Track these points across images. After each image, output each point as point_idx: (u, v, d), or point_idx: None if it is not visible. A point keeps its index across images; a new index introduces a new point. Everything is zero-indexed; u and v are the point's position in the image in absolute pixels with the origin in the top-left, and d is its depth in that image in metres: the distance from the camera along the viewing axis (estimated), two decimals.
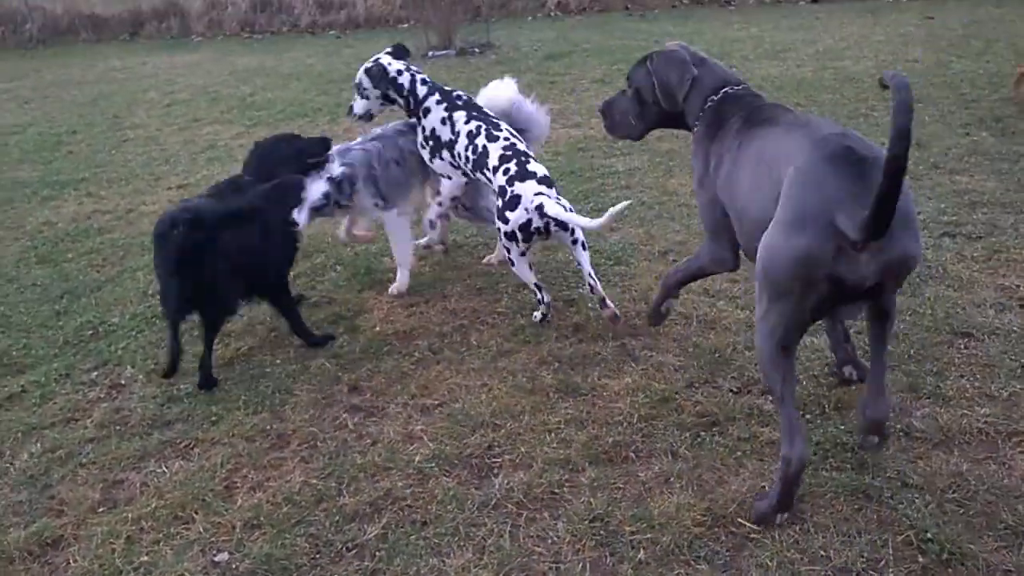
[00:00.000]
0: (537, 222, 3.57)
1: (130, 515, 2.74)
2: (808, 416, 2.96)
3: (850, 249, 2.19)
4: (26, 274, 4.72)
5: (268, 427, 3.15)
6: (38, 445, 3.16)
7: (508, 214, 3.61)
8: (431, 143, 4.00)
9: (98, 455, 3.07)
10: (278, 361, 3.62)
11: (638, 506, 2.62)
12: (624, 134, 3.34)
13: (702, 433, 2.93)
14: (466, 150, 3.87)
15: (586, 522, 2.56)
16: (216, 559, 2.55)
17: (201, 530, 2.66)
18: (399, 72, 4.05)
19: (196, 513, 2.73)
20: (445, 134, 3.94)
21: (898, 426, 2.88)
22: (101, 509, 2.79)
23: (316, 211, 3.81)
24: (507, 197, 3.63)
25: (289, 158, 3.84)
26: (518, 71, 9.08)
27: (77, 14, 14.49)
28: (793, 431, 2.45)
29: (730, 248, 2.95)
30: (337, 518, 2.66)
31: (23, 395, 3.52)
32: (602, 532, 2.53)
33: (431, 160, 4.05)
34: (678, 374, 3.29)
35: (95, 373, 3.65)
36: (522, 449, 2.91)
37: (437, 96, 3.99)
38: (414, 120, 4.07)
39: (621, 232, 4.59)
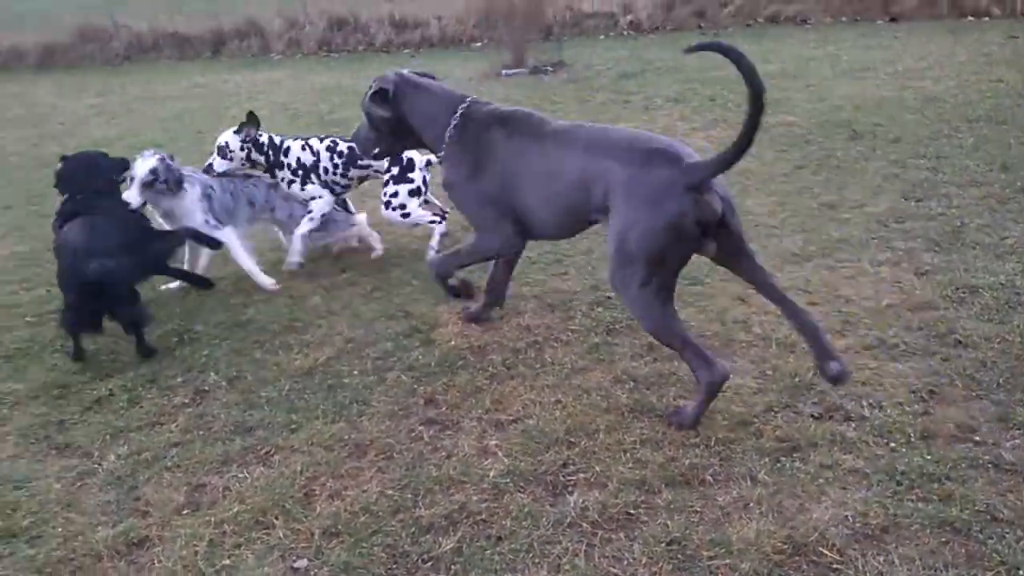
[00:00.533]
0: None
1: (213, 518, 2.81)
2: (892, 445, 2.90)
3: (699, 195, 2.88)
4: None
5: (346, 437, 3.20)
6: (125, 447, 3.26)
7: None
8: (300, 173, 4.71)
9: (182, 459, 3.16)
10: (355, 372, 3.68)
11: (716, 531, 2.59)
12: (369, 153, 3.91)
13: (782, 458, 2.89)
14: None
15: (663, 544, 2.54)
16: (295, 565, 2.59)
17: (281, 536, 2.71)
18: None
19: (276, 519, 2.79)
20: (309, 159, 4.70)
21: (987, 458, 2.79)
22: (185, 511, 2.87)
23: (147, 186, 4.28)
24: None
25: (93, 175, 4.19)
26: (591, 89, 9.12)
27: (162, 32, 14.99)
28: (708, 359, 3.02)
29: (513, 234, 3.48)
30: (413, 529, 2.69)
31: (111, 398, 3.64)
32: (679, 556, 2.50)
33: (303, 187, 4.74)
34: (756, 397, 3.24)
35: (180, 379, 3.75)
36: (597, 468, 2.90)
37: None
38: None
39: None
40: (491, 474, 2.93)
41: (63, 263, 3.89)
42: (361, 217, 5.07)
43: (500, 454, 3.04)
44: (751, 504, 2.69)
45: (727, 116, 7.44)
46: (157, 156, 4.38)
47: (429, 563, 2.56)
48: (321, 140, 4.78)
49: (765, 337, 3.66)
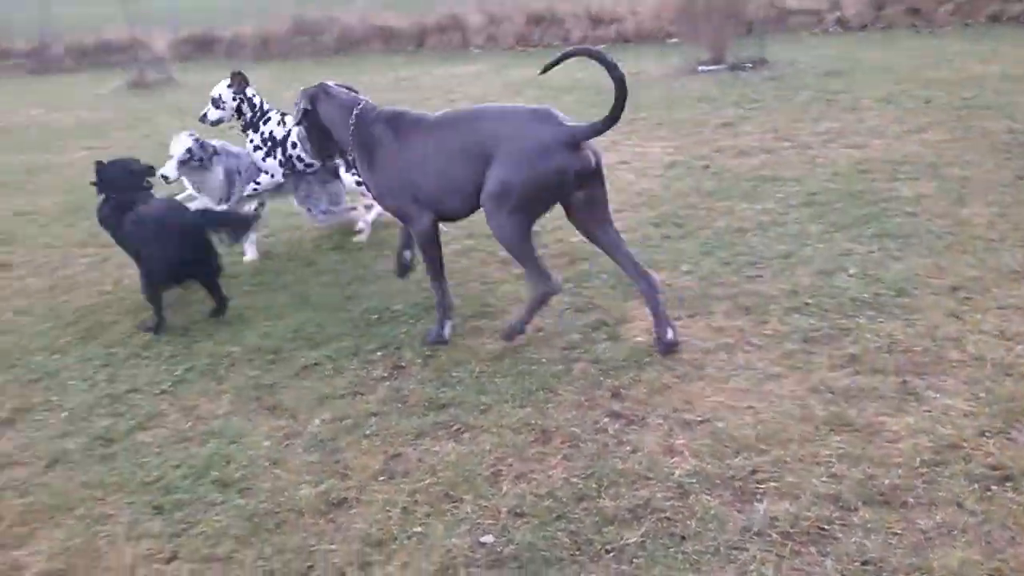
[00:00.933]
0: None
1: (406, 487, 2.95)
2: None
3: (577, 150, 3.54)
4: (323, 259, 5.19)
5: (533, 422, 3.27)
6: (328, 413, 3.47)
7: None
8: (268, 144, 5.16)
9: (380, 428, 3.32)
10: (543, 360, 3.73)
11: (916, 555, 2.45)
12: (314, 156, 4.35)
13: (993, 487, 2.69)
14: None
15: (857, 563, 2.43)
16: (482, 540, 2.68)
17: (469, 511, 2.81)
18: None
19: (466, 494, 2.88)
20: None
21: None
22: (381, 478, 3.02)
23: (183, 163, 4.96)
24: None
25: (130, 177, 4.60)
26: (793, 88, 8.80)
27: (370, 26, 15.73)
28: (543, 273, 3.73)
29: (426, 214, 3.89)
30: (597, 519, 2.71)
31: (317, 367, 3.88)
32: None
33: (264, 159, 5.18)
34: (967, 420, 3.03)
35: (379, 353, 3.95)
36: (789, 479, 2.81)
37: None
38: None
39: (905, 262, 4.32)
40: (676, 473, 2.90)
41: (160, 227, 4.31)
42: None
43: (686, 454, 3.00)
44: (956, 531, 2.52)
45: (943, 119, 6.97)
46: (191, 136, 4.98)
47: (612, 553, 2.57)
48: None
49: (979, 357, 3.42)
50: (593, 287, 4.44)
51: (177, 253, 4.26)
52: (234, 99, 5.14)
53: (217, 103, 5.15)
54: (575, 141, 3.54)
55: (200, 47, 15.97)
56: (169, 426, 3.49)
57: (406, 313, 4.32)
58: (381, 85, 11.63)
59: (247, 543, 2.76)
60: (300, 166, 5.21)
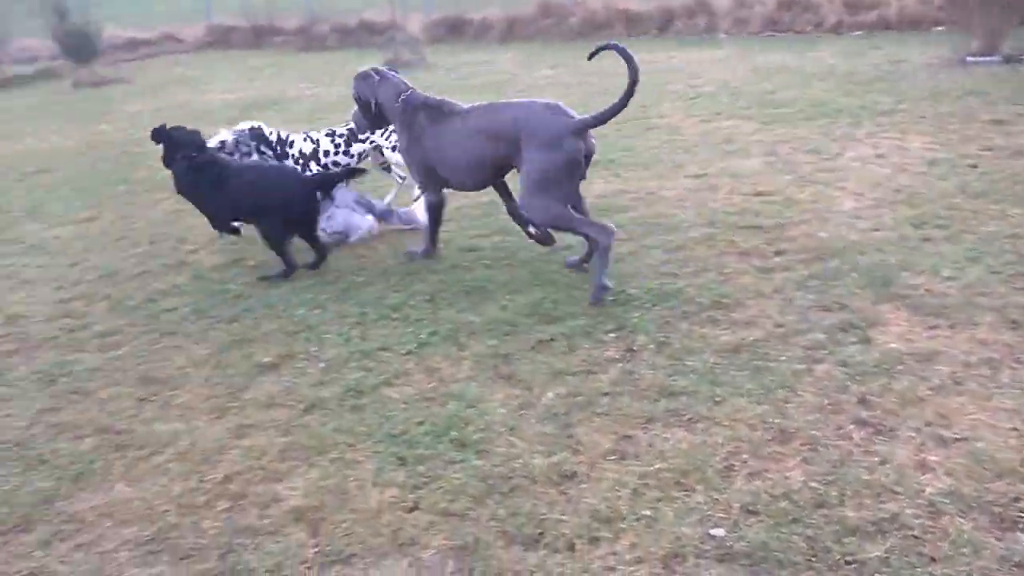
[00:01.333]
0: None
1: (636, 469, 2.95)
2: None
3: (582, 140, 4.24)
4: (561, 239, 5.27)
5: (770, 420, 3.16)
6: (562, 388, 3.54)
7: None
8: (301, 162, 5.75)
9: (611, 408, 3.35)
10: (783, 358, 3.60)
11: None
12: (364, 130, 5.24)
13: None
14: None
15: None
16: (713, 532, 2.63)
17: (700, 501, 2.77)
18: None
19: (697, 484, 2.85)
20: None
21: None
22: (612, 457, 3.04)
23: (217, 151, 5.41)
24: None
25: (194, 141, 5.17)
26: None
27: (614, 10, 15.72)
28: (598, 226, 4.32)
29: (439, 192, 4.90)
30: (837, 527, 2.59)
31: (552, 343, 3.96)
32: None
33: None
34: None
35: (612, 335, 3.96)
36: None
37: None
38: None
39: None
40: (928, 491, 2.71)
41: (275, 178, 5.05)
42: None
43: (940, 472, 2.80)
44: None
45: None
46: (232, 131, 5.58)
47: (852, 565, 2.45)
48: (320, 131, 5.80)
49: None
50: (842, 285, 4.22)
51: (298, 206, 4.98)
52: (245, 149, 5.60)
53: (239, 149, 5.61)
54: (581, 129, 4.29)
55: (451, 30, 16.63)
56: (413, 385, 3.70)
57: (640, 297, 4.30)
58: (621, 70, 11.62)
59: (482, 502, 2.88)
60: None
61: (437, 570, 2.62)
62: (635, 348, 3.82)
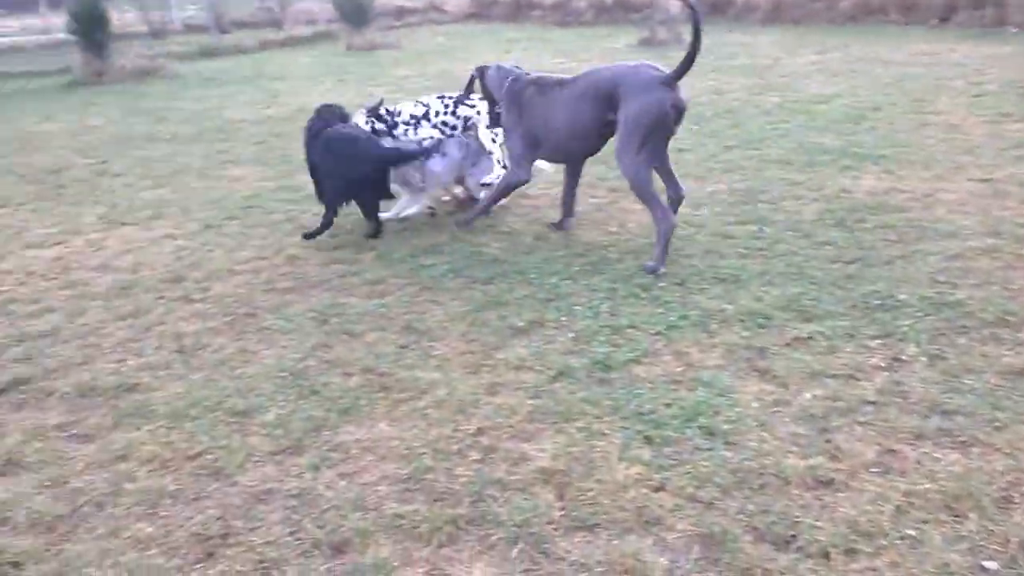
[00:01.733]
0: None
1: (901, 486, 2.77)
2: None
3: (673, 92, 4.58)
4: (822, 233, 5.03)
5: None
6: (820, 390, 3.38)
7: None
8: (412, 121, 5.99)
9: (876, 418, 3.16)
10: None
11: None
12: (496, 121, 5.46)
13: None
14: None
15: None
16: (986, 564, 2.43)
17: (972, 529, 2.56)
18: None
19: (970, 512, 2.63)
20: None
21: None
22: (874, 469, 2.87)
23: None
24: None
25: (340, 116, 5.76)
26: None
27: None
28: (664, 209, 4.70)
29: (529, 168, 5.26)
30: None
31: (809, 341, 3.79)
32: None
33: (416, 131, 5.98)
34: None
35: (877, 341, 3.74)
36: None
37: None
38: None
39: None
40: None
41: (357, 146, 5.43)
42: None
43: None
44: None
45: None
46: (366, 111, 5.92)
47: None
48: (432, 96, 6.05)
49: None
50: None
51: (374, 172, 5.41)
52: (367, 122, 5.89)
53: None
54: (669, 82, 4.58)
55: (713, 8, 16.27)
56: (661, 366, 3.67)
57: (911, 305, 4.02)
58: (898, 59, 10.88)
59: (729, 494, 2.82)
60: (447, 131, 5.89)
61: (682, 554, 2.60)
62: (903, 358, 3.58)
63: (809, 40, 13.02)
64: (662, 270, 4.62)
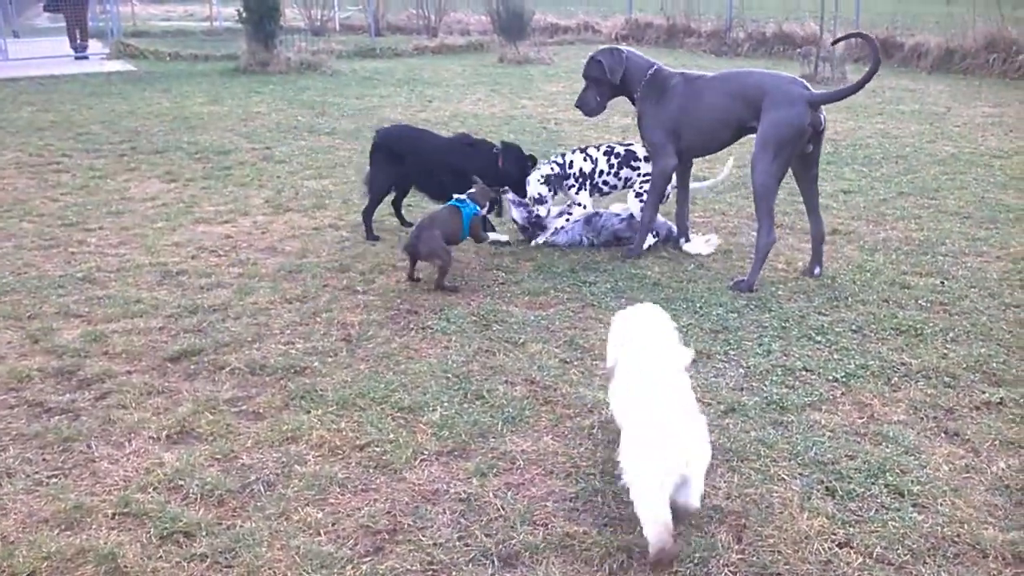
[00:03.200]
0: None
1: None
2: None
3: (813, 111, 4.67)
4: (1009, 294, 4.72)
5: None
6: (1015, 460, 3.15)
7: None
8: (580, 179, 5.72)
9: None
10: None
11: None
12: (594, 112, 5.47)
13: None
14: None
15: None
16: None
17: None
18: None
19: None
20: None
21: None
22: None
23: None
24: None
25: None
26: None
27: None
28: (771, 227, 4.83)
29: (676, 156, 5.22)
30: None
31: (1000, 407, 3.55)
32: None
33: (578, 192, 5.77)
34: None
35: None
36: None
37: None
38: None
39: None
40: None
41: None
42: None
43: None
44: None
45: None
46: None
47: None
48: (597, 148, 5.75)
49: None
50: None
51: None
52: (542, 184, 5.60)
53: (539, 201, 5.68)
54: (814, 101, 4.68)
55: (882, 50, 15.72)
56: (841, 415, 3.49)
57: None
58: None
59: (921, 560, 2.64)
60: (606, 190, 5.75)
61: None
62: None
63: (983, 91, 12.39)
64: (756, 287, 4.77)
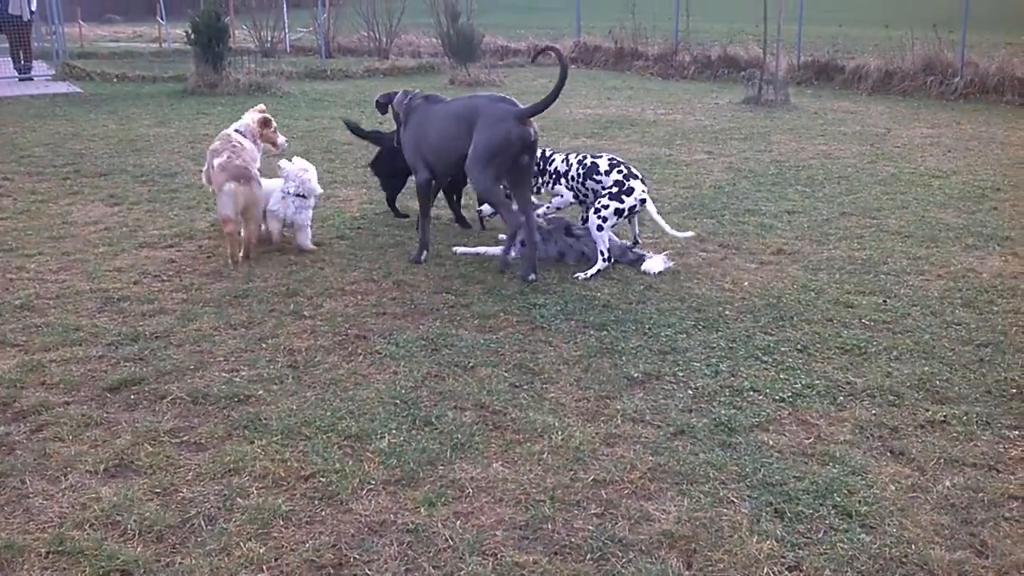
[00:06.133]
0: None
1: None
2: None
3: (522, 126, 5.17)
4: (950, 313, 4.82)
5: None
6: (960, 478, 3.19)
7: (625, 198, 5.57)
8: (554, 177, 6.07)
9: (1021, 515, 2.95)
10: None
11: None
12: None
13: None
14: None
15: None
16: None
17: None
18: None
19: None
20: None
21: None
22: None
23: None
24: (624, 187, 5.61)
25: None
26: None
27: (1009, 75, 14.32)
28: (510, 209, 5.40)
29: (429, 172, 5.64)
30: None
31: (944, 425, 3.60)
32: None
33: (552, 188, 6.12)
34: None
35: (1016, 432, 3.53)
36: None
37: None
38: None
39: None
40: None
41: None
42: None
43: None
44: None
45: None
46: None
47: None
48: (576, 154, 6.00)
49: None
50: None
51: None
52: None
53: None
54: (521, 116, 5.16)
55: (818, 73, 16.07)
56: (788, 435, 3.51)
57: None
58: (1015, 139, 10.54)
59: None
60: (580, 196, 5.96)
61: None
62: None
63: (921, 113, 12.72)
64: (510, 264, 5.52)
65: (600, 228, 5.47)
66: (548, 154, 6.07)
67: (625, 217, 5.59)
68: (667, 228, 5.66)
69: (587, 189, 5.83)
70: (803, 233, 6.37)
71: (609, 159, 5.75)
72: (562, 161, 5.99)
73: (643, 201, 5.57)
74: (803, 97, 14.22)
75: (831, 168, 8.71)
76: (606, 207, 5.48)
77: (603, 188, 5.65)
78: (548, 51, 5.68)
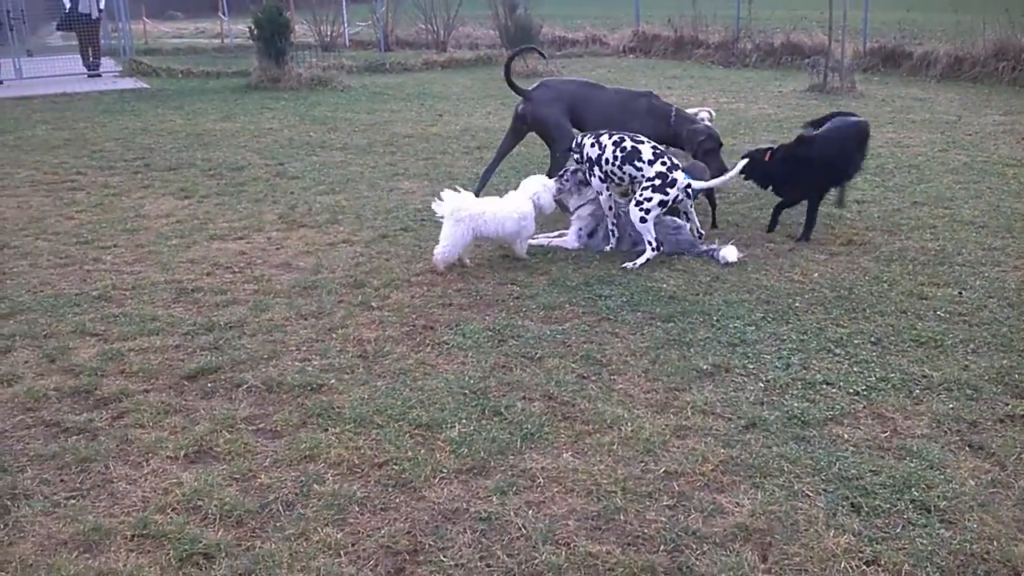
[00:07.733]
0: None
1: None
2: None
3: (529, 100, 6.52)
4: None
5: None
6: None
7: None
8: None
9: None
10: None
11: None
12: None
13: None
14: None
15: None
16: None
17: None
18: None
19: None
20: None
21: None
22: None
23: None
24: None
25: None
26: None
27: None
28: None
29: None
30: None
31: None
32: None
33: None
34: None
35: None
36: None
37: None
38: None
39: None
40: None
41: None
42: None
43: None
44: None
45: None
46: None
47: None
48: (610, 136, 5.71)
49: None
50: None
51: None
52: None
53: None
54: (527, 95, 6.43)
55: (885, 60, 15.67)
56: (864, 429, 3.45)
57: None
58: None
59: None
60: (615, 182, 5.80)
61: None
62: None
63: (992, 100, 12.34)
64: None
65: (643, 220, 5.42)
66: (580, 140, 5.84)
67: (668, 207, 5.51)
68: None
69: (624, 173, 5.61)
70: (873, 223, 6.24)
71: (652, 147, 5.57)
72: (592, 145, 5.68)
73: (688, 191, 5.49)
74: (870, 84, 13.89)
75: (901, 157, 8.51)
76: (649, 199, 5.41)
77: (644, 178, 5.50)
78: (531, 51, 5.88)
